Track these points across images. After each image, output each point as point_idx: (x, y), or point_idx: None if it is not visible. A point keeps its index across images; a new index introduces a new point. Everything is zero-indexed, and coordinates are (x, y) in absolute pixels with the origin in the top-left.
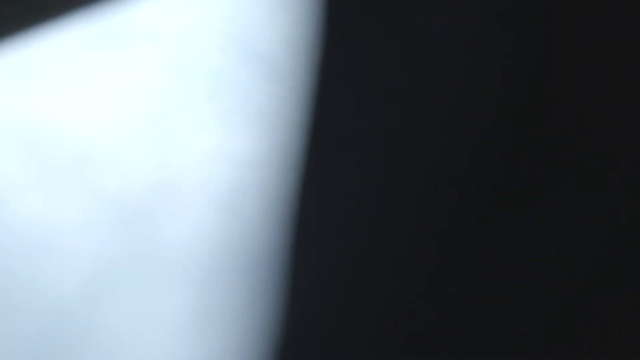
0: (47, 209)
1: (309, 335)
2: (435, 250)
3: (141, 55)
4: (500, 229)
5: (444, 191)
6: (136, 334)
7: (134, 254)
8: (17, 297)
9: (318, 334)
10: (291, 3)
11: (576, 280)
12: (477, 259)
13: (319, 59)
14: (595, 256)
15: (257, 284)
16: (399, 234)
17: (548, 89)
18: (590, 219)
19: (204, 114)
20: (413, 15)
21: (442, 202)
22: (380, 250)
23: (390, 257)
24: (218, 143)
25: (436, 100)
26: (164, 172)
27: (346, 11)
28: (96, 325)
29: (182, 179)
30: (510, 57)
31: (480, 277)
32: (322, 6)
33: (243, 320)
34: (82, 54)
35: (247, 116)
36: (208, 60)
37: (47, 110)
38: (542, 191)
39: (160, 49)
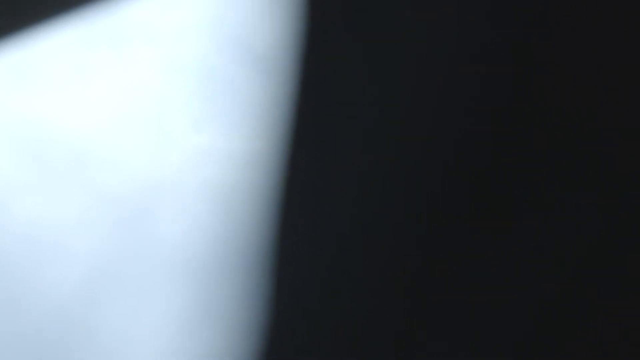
0: (44, 208)
1: (296, 333)
2: (421, 250)
3: (137, 54)
4: (493, 229)
5: (431, 190)
6: (135, 333)
7: (132, 252)
8: (17, 296)
9: (306, 331)
10: (286, 2)
11: (574, 281)
12: (463, 259)
13: (314, 58)
14: (595, 256)
15: (249, 282)
16: (388, 234)
17: (542, 90)
18: (589, 219)
19: (199, 112)
20: (407, 14)
21: (429, 201)
22: (368, 250)
23: (379, 257)
24: (214, 142)
25: (425, 99)
26: (161, 171)
27: (339, 11)
28: (95, 325)
29: (179, 177)
30: (500, 60)
31: (468, 278)
32: (316, 6)
33: (234, 318)
34: (78, 53)
35: (243, 115)
36: (204, 59)
37: (44, 109)
38: (539, 191)
39: (157, 48)
